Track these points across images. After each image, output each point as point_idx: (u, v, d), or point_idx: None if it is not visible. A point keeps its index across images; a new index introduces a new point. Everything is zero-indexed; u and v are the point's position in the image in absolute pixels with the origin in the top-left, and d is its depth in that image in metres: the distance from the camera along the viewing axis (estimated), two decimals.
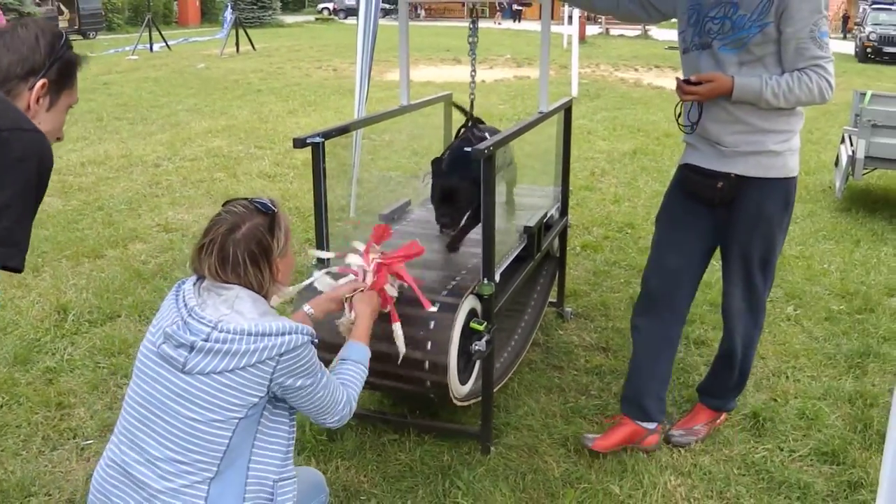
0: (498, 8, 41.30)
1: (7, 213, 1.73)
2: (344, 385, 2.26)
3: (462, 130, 3.80)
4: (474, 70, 3.84)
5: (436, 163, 3.48)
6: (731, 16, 2.98)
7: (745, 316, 3.30)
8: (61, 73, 1.93)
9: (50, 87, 1.91)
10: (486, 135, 3.61)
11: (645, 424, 3.34)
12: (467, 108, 3.91)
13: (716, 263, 5.41)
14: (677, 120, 3.25)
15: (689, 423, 3.45)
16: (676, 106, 3.23)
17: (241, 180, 7.89)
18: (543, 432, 3.43)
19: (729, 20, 2.98)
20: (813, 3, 2.86)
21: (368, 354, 2.44)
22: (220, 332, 1.95)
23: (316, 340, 2.08)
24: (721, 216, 3.19)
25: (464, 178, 3.30)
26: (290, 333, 1.98)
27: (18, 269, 1.79)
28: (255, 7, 35.80)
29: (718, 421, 3.49)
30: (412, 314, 2.88)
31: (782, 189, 3.11)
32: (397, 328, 2.76)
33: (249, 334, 1.94)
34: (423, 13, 50.85)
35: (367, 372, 2.39)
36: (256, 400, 1.99)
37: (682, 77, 3.08)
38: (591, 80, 16.39)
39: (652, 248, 3.44)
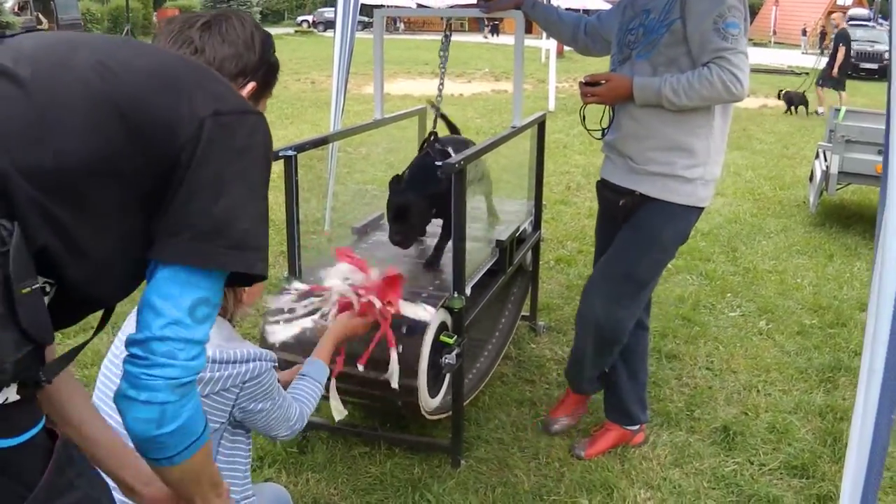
0: (486, 24, 41.36)
1: (242, 213, 1.38)
2: (297, 400, 2.22)
3: (424, 145, 3.73)
4: (442, 84, 3.79)
5: (394, 181, 3.41)
6: (644, 22, 2.93)
7: (606, 317, 3.10)
8: (267, 77, 1.76)
9: (256, 92, 1.73)
10: (449, 148, 3.59)
11: (630, 427, 3.40)
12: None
13: (689, 277, 5.48)
14: (583, 124, 3.16)
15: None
16: (580, 109, 3.16)
17: None
18: (514, 445, 3.42)
19: (643, 27, 2.94)
20: None
21: (327, 372, 2.40)
22: None
23: (276, 365, 2.05)
24: None
25: (417, 195, 3.27)
26: (253, 360, 1.95)
27: (264, 276, 1.46)
28: None
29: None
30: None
31: (685, 217, 3.03)
32: (393, 354, 2.70)
33: (214, 362, 1.90)
34: (402, 26, 50.92)
35: (322, 390, 2.35)
36: (217, 426, 1.95)
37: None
38: (569, 95, 16.44)
39: None
